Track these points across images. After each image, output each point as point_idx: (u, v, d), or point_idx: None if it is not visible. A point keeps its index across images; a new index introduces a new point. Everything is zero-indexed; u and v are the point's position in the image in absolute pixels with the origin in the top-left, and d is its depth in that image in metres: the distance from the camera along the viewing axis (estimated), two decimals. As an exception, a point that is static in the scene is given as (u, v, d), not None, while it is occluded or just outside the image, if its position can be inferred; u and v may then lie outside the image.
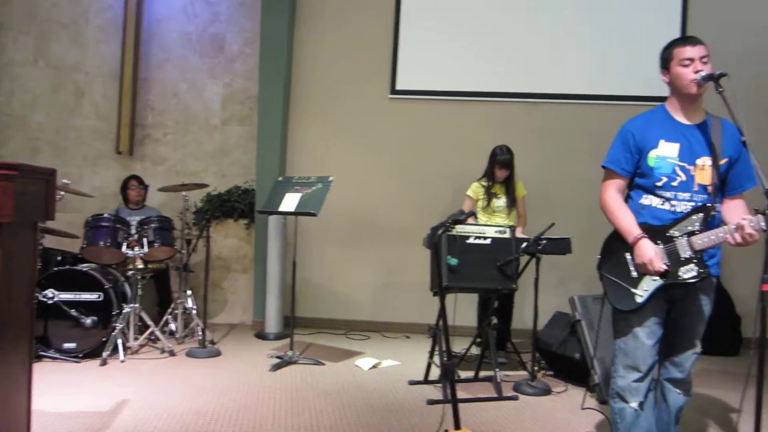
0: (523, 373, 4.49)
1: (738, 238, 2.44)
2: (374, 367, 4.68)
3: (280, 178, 5.02)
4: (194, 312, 5.25)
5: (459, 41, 5.99)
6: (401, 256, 5.89)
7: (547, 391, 4.15)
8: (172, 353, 4.73)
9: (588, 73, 5.95)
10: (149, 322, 4.85)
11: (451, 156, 5.96)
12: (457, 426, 2.53)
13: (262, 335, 5.59)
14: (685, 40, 2.70)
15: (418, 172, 6.03)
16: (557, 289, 5.57)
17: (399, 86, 6.03)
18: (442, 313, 2.40)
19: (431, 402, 3.80)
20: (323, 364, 4.68)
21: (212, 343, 5.12)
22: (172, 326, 5.21)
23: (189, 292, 5.27)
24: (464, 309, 5.11)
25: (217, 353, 4.85)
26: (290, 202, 4.61)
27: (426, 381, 4.26)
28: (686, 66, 2.62)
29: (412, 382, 4.26)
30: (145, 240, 4.91)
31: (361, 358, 4.89)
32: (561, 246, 4.44)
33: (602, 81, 5.91)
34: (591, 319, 4.14)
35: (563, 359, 4.41)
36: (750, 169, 2.57)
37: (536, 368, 4.47)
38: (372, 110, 6.08)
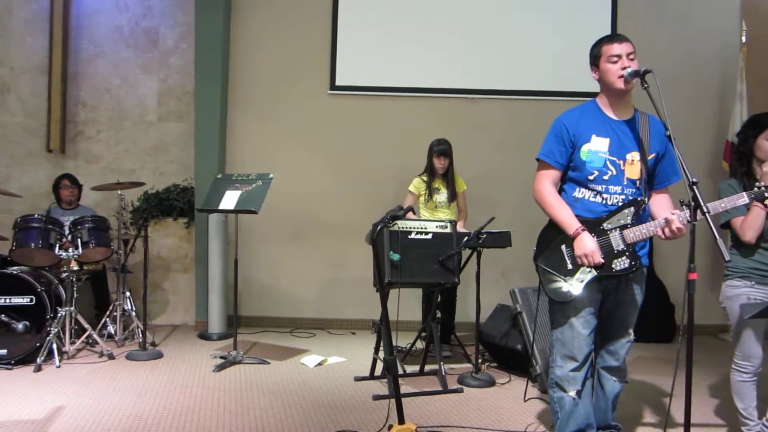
0: (468, 365, 4.55)
1: (667, 232, 2.54)
2: (320, 364, 4.67)
3: (220, 176, 4.94)
4: (134, 314, 5.12)
5: (398, 37, 6.01)
6: (345, 252, 5.89)
7: (491, 383, 4.22)
8: (111, 357, 4.60)
9: (525, 70, 6.06)
10: (86, 325, 4.70)
11: (393, 151, 5.98)
12: (401, 420, 2.54)
13: (205, 336, 5.49)
14: (612, 37, 2.78)
15: (360, 167, 6.03)
16: (499, 282, 5.68)
17: (339, 82, 6.00)
18: (384, 310, 2.40)
19: (377, 397, 3.82)
20: (268, 363, 4.64)
21: (153, 344, 5.00)
22: (111, 329, 5.06)
23: (128, 294, 5.13)
24: (409, 304, 5.16)
25: (159, 355, 4.74)
26: (230, 199, 4.54)
27: (372, 377, 4.28)
28: (614, 62, 2.70)
29: (358, 378, 4.27)
30: (79, 241, 4.76)
31: (307, 355, 4.86)
32: (501, 239, 4.52)
33: (539, 77, 6.03)
34: (532, 311, 4.24)
35: (506, 351, 4.50)
36: (675, 164, 2.67)
37: (480, 360, 4.54)
38: (312, 106, 6.04)
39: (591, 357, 2.86)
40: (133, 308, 5.13)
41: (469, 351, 4.71)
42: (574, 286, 2.74)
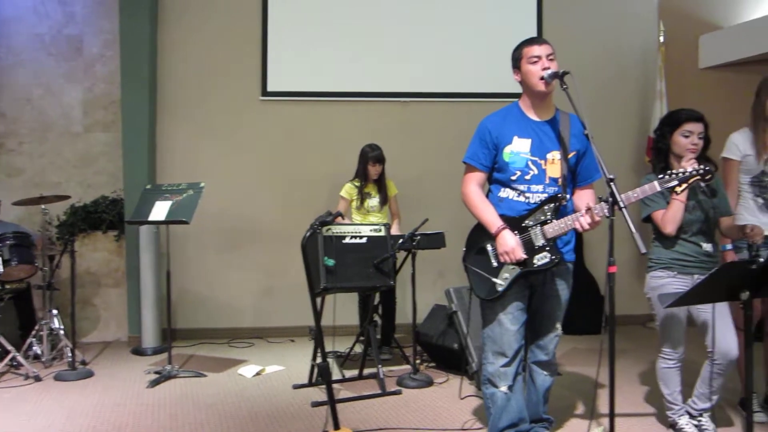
0: (407, 367, 4.57)
1: (584, 223, 2.62)
2: (258, 374, 4.60)
3: (149, 186, 4.81)
4: (62, 332, 4.91)
5: (329, 42, 5.99)
6: (281, 259, 5.82)
7: (429, 383, 4.25)
8: (37, 378, 4.41)
9: (454, 72, 6.13)
10: (9, 347, 4.49)
11: (326, 157, 5.95)
12: (336, 426, 2.52)
13: (139, 351, 5.33)
14: (532, 40, 2.85)
15: (294, 173, 5.98)
16: (436, 283, 5.73)
17: (270, 88, 5.94)
18: (315, 316, 2.39)
19: (315, 404, 3.78)
20: (205, 376, 4.54)
21: (83, 363, 4.82)
22: (37, 349, 4.85)
23: (55, 312, 4.93)
24: (348, 308, 5.15)
25: (89, 374, 4.57)
26: (160, 210, 4.43)
27: (310, 384, 4.24)
28: (534, 63, 2.77)
29: (297, 386, 4.22)
30: (0, 258, 4.55)
31: (245, 366, 4.78)
32: (435, 241, 4.56)
33: (469, 79, 6.11)
34: (466, 309, 4.29)
35: (443, 350, 4.54)
36: (596, 163, 2.75)
37: (419, 361, 4.57)
38: (244, 112, 5.95)
39: (521, 352, 2.93)
40: (62, 326, 4.93)
41: (408, 352, 4.73)
42: (500, 283, 2.80)
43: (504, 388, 2.87)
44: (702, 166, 2.71)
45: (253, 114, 5.96)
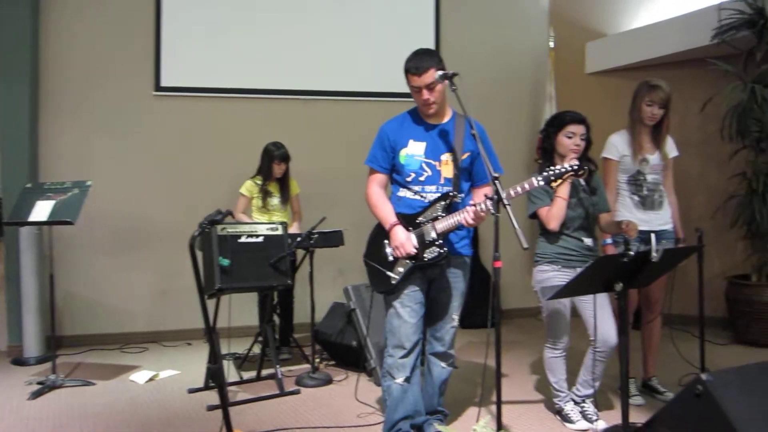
0: (307, 366, 4.54)
1: (468, 219, 2.76)
2: (151, 379, 4.44)
3: (29, 185, 4.52)
4: (-69, 343, 4.55)
5: (226, 37, 5.85)
6: (177, 260, 5.62)
7: (328, 381, 4.25)
8: None
9: (354, 72, 6.16)
10: None
11: (225, 154, 5.82)
12: (229, 430, 2.48)
13: (20, 361, 4.99)
14: (412, 70, 2.89)
15: (191, 171, 5.80)
16: (336, 281, 5.73)
17: (164, 83, 5.72)
18: (205, 318, 2.33)
19: (210, 408, 3.69)
20: (93, 384, 4.32)
21: (-44, 376, 4.48)
22: None
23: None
24: (247, 308, 5.06)
25: (-37, 387, 4.26)
26: (42, 210, 4.18)
27: (206, 387, 4.13)
28: (417, 93, 2.90)
29: (192, 390, 4.10)
30: None
31: (137, 372, 4.60)
32: (333, 239, 4.57)
33: (368, 79, 6.15)
34: (365, 307, 4.32)
35: (342, 348, 4.55)
36: (494, 161, 2.88)
37: (318, 360, 4.56)
38: (136, 108, 5.71)
39: (420, 345, 3.01)
40: (-69, 337, 4.57)
41: (307, 351, 4.71)
42: (394, 276, 2.92)
43: (400, 380, 2.95)
44: (574, 164, 2.86)
45: (146, 110, 5.73)
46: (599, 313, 3.21)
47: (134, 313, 5.69)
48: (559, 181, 2.81)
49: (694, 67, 5.56)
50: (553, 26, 6.57)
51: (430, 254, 2.88)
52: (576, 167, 2.82)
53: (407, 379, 2.97)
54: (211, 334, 2.39)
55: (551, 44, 6.47)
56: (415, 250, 2.87)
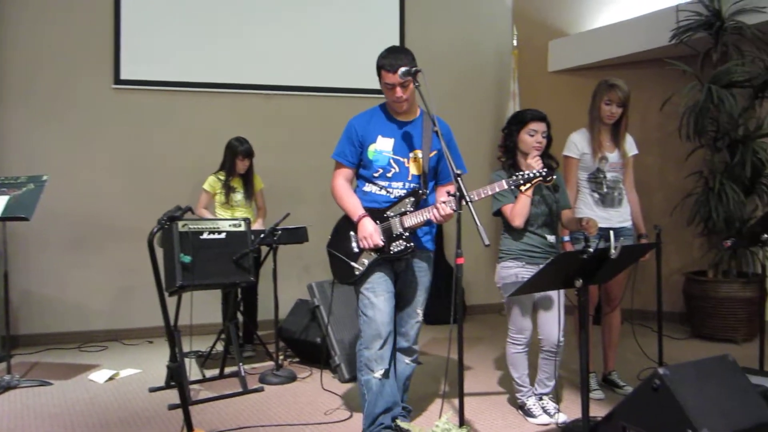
0: (271, 363, 4.51)
1: (436, 215, 2.80)
2: (111, 378, 4.35)
3: (-17, 180, 4.39)
4: None
5: (188, 30, 5.75)
6: (138, 256, 5.42)
7: (292, 378, 4.23)
8: None
9: (320, 67, 6.12)
10: None
11: (187, 149, 5.73)
12: (190, 429, 2.45)
13: (-27, 361, 4.86)
14: (387, 67, 2.88)
15: (152, 166, 5.70)
16: (302, 278, 5.70)
17: (124, 76, 5.60)
18: (165, 315, 2.30)
19: (172, 407, 3.64)
20: (50, 384, 4.22)
21: None
22: None
23: None
24: (212, 305, 4.99)
25: None
26: (-4, 206, 4.06)
27: (168, 386, 4.07)
28: (389, 90, 2.91)
29: (153, 389, 4.04)
30: None
31: (97, 371, 4.51)
32: (297, 235, 4.55)
33: (333, 74, 6.11)
34: (329, 304, 4.31)
35: (306, 345, 4.53)
36: (458, 159, 2.92)
37: (282, 357, 4.53)
38: (95, 101, 5.57)
39: (392, 336, 3.01)
40: None
41: (271, 349, 4.67)
42: (358, 267, 2.95)
43: (379, 374, 2.96)
44: (543, 170, 2.92)
45: (105, 103, 5.60)
46: (545, 312, 3.30)
47: (94, 311, 5.57)
48: (529, 185, 2.88)
49: (654, 67, 5.66)
50: (516, 25, 6.62)
51: (396, 247, 2.92)
52: (545, 173, 2.88)
53: (386, 373, 2.98)
54: (171, 332, 2.35)
55: (514, 42, 6.52)
56: (382, 242, 2.90)
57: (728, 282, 5.12)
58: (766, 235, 3.51)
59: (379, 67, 2.91)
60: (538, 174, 2.89)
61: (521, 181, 2.86)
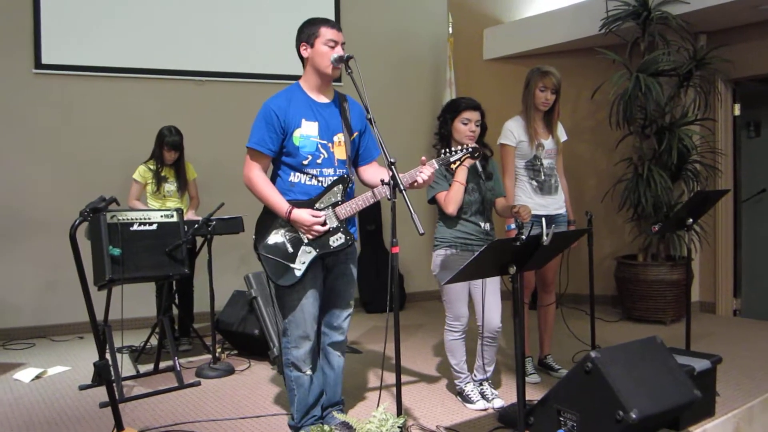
0: (208, 357, 4.42)
1: (426, 173, 2.69)
2: (38, 377, 4.17)
3: None
4: None
5: (114, 11, 5.52)
6: (65, 249, 5.24)
7: (230, 372, 4.15)
8: None
9: (253, 52, 5.99)
10: None
11: (116, 137, 5.53)
12: (120, 427, 2.36)
13: None
14: (331, 22, 2.83)
15: (78, 155, 5.46)
16: (238, 269, 5.60)
17: (45, 60, 5.33)
18: (90, 310, 2.20)
19: (103, 405, 3.51)
20: (-29, 385, 4.03)
21: None
22: None
23: None
24: (145, 299, 4.84)
25: None
26: None
27: (99, 383, 3.92)
28: (331, 47, 2.77)
29: (83, 387, 3.89)
30: None
31: (22, 369, 4.32)
32: (233, 225, 4.46)
33: (267, 60, 6.00)
34: (267, 294, 4.25)
35: (244, 337, 4.46)
36: (376, 141, 2.84)
37: (220, 350, 4.44)
38: (12, 87, 5.27)
39: (316, 333, 2.96)
40: None
41: (208, 341, 4.57)
42: (298, 268, 2.79)
43: (308, 371, 2.90)
44: (470, 145, 2.90)
45: (24, 89, 5.32)
46: (482, 299, 3.32)
47: (17, 307, 5.32)
48: (457, 163, 2.84)
49: (585, 56, 5.78)
50: (451, 12, 6.64)
51: (336, 242, 2.79)
52: (471, 149, 2.86)
53: (313, 368, 2.94)
54: (96, 328, 2.26)
55: (450, 30, 6.54)
56: (324, 217, 2.74)
57: (657, 265, 5.30)
58: (690, 220, 3.64)
59: (321, 23, 2.78)
60: (464, 149, 2.85)
61: (450, 159, 2.83)
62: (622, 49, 5.33)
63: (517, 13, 6.50)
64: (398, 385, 2.47)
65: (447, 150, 2.85)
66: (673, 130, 5.15)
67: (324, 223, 2.76)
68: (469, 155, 2.85)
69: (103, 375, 2.25)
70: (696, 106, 5.35)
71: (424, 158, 2.73)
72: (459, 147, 2.88)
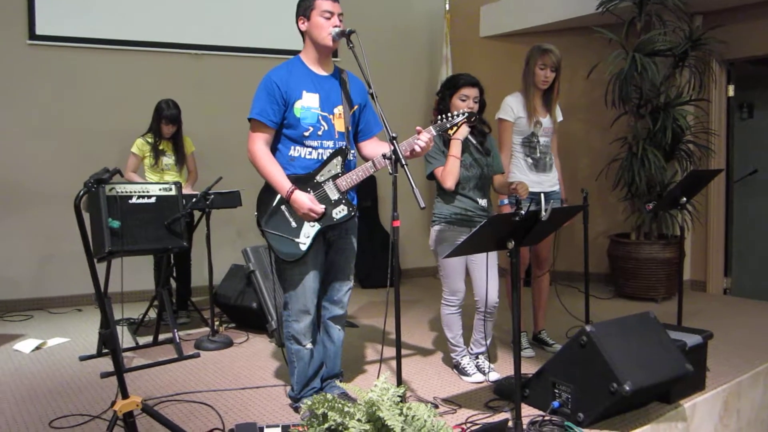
0: (207, 330, 4.47)
1: (424, 139, 2.73)
2: (38, 348, 4.22)
3: None
4: None
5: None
6: (64, 222, 5.26)
7: (228, 344, 4.20)
8: None
9: (250, 26, 5.96)
10: None
11: (113, 109, 5.51)
12: (125, 395, 2.41)
13: None
14: None
15: (75, 127, 5.45)
16: (235, 243, 5.64)
17: (40, 31, 5.27)
18: (95, 281, 2.23)
19: (104, 375, 3.56)
20: (-29, 356, 4.07)
21: None
22: None
23: None
24: (144, 271, 4.86)
25: None
26: None
27: (99, 354, 3.98)
28: (327, 18, 2.78)
29: (84, 358, 3.94)
30: None
31: (22, 340, 4.36)
32: (231, 199, 4.47)
33: (265, 34, 5.98)
34: (264, 268, 4.29)
35: (242, 310, 4.51)
36: (376, 117, 2.86)
37: (218, 322, 4.49)
38: (7, 58, 5.23)
39: (316, 307, 3.00)
40: None
41: (206, 315, 4.62)
42: (303, 242, 2.81)
43: (309, 345, 2.94)
44: (465, 111, 2.95)
45: (19, 60, 5.28)
46: (479, 275, 3.40)
47: (17, 279, 5.35)
48: (455, 129, 2.87)
49: (582, 35, 5.79)
50: (448, -12, 6.61)
51: (338, 214, 2.80)
52: (467, 113, 2.89)
53: (313, 342, 2.98)
54: (102, 298, 2.29)
55: (446, 7, 6.51)
56: (323, 208, 2.76)
57: (649, 244, 5.37)
58: (684, 199, 3.69)
59: None
60: (460, 114, 2.89)
61: (446, 125, 2.85)
62: (619, 28, 5.34)
63: (515, -9, 6.48)
64: (398, 357, 2.53)
65: (443, 116, 2.88)
66: (668, 110, 5.18)
67: (322, 213, 2.77)
68: (465, 119, 2.89)
69: (108, 343, 2.28)
70: (691, 86, 5.38)
71: (419, 128, 2.75)
72: (455, 112, 2.91)
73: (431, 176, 3.38)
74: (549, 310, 4.18)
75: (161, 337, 4.24)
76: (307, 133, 2.81)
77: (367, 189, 6.33)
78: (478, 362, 3.51)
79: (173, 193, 3.93)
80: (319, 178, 2.82)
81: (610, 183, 5.56)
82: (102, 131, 5.47)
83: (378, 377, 2.28)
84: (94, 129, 5.48)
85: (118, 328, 4.16)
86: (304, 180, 2.81)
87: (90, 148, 5.41)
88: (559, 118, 3.96)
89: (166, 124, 4.70)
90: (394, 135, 2.48)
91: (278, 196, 2.82)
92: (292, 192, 2.74)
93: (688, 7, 5.27)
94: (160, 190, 3.89)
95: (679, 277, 3.91)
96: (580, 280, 4.12)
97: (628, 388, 2.53)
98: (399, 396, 2.21)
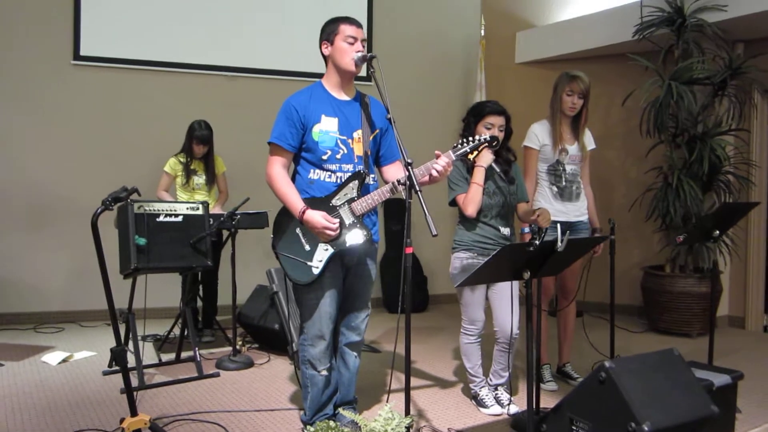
0: (230, 349, 4.48)
1: (441, 163, 2.69)
2: (65, 360, 4.29)
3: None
4: None
5: (153, 6, 5.64)
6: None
7: (249, 364, 4.21)
8: None
9: (284, 49, 6.05)
10: None
11: (149, 129, 5.64)
12: (134, 413, 2.42)
13: None
14: (350, 20, 2.86)
15: (112, 146, 5.60)
16: (263, 263, 5.64)
17: (84, 52, 5.47)
18: (109, 298, 2.26)
19: (124, 391, 3.59)
20: (2, 365, 4.15)
21: None
22: None
23: None
24: (173, 289, 4.92)
25: None
26: (-55, 183, 3.95)
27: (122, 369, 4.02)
28: (351, 44, 2.80)
29: (107, 372, 4.00)
30: None
31: (50, 352, 4.44)
32: (258, 220, 4.50)
33: (298, 57, 6.05)
34: (288, 290, 4.29)
35: (265, 331, 4.51)
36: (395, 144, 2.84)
37: (241, 342, 4.51)
38: (53, 78, 5.43)
39: (333, 333, 2.97)
40: None
41: (230, 334, 4.64)
42: (315, 266, 2.80)
43: (324, 371, 2.92)
44: (486, 136, 2.92)
45: (64, 80, 5.48)
46: (499, 304, 3.31)
47: (50, 292, 5.48)
48: (475, 153, 2.83)
49: (618, 62, 5.71)
50: (484, 15, 6.61)
51: (353, 238, 2.79)
52: (488, 138, 2.86)
53: (329, 368, 2.96)
54: (114, 315, 2.32)
55: (482, 33, 6.51)
56: (337, 223, 2.74)
57: (684, 277, 5.21)
58: (717, 232, 3.56)
59: (341, 21, 2.81)
60: (481, 140, 2.86)
61: (467, 149, 2.83)
62: (656, 56, 5.25)
63: (550, 17, 6.45)
64: (407, 385, 2.48)
65: (463, 141, 2.85)
66: (705, 140, 5.05)
67: (338, 229, 2.75)
68: (486, 144, 2.85)
69: (118, 361, 2.30)
70: (730, 116, 5.24)
71: (438, 152, 2.72)
72: (476, 137, 2.88)
73: (453, 203, 3.34)
74: (576, 343, 4.07)
75: (184, 354, 4.27)
76: (325, 157, 2.82)
77: (396, 213, 6.31)
78: (497, 394, 3.43)
79: (200, 212, 3.98)
80: (335, 201, 2.82)
81: (645, 213, 5.43)
82: (138, 149, 5.59)
83: (385, 405, 2.24)
84: (131, 147, 5.61)
85: (143, 344, 4.20)
86: (320, 203, 2.80)
87: (126, 166, 5.53)
88: (591, 145, 3.88)
89: (197, 144, 4.78)
90: (409, 161, 2.46)
91: (294, 220, 2.82)
92: (304, 212, 2.73)
93: (729, 35, 5.16)
94: (187, 209, 3.94)
95: (712, 312, 3.77)
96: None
97: (647, 428, 2.42)
98: (406, 426, 2.16)
